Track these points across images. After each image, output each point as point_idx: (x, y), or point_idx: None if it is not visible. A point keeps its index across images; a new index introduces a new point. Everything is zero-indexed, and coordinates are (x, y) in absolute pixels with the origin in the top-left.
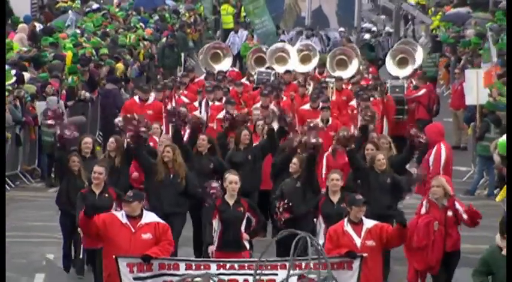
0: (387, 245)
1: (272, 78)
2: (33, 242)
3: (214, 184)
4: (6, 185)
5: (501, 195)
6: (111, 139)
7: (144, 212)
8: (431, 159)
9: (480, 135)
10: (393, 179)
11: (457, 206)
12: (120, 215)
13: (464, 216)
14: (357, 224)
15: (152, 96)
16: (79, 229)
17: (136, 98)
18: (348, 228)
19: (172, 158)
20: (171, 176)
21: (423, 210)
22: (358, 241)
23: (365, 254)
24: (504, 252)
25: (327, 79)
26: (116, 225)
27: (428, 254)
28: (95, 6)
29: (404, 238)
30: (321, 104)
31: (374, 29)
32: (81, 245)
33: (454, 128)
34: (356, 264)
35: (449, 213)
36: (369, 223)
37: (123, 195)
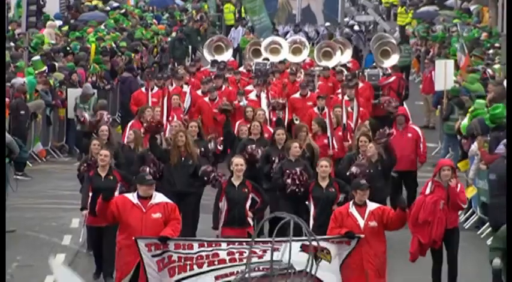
0: (387, 227)
1: (268, 67)
2: (62, 208)
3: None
4: (38, 159)
5: (463, 166)
6: (130, 131)
7: (154, 193)
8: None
9: (445, 116)
10: (382, 164)
11: (459, 185)
12: (132, 196)
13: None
14: (361, 207)
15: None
16: (84, 212)
17: (143, 88)
18: (353, 210)
19: (185, 142)
20: (183, 159)
21: (428, 191)
22: (361, 222)
23: (362, 235)
24: None
25: (316, 68)
26: (128, 206)
27: (433, 230)
28: (115, 4)
29: (404, 222)
30: (308, 93)
31: (356, 25)
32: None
33: (425, 109)
34: (353, 242)
35: None
36: (372, 205)
37: (128, 176)
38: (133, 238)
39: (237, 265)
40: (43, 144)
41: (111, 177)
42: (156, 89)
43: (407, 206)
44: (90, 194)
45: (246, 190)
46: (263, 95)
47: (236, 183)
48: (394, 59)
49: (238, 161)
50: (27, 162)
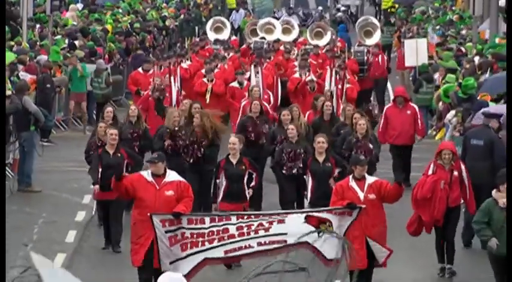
0: (384, 199)
1: (265, 46)
2: (82, 171)
3: None
4: (61, 127)
5: (440, 134)
6: (133, 107)
7: (168, 171)
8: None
9: (415, 89)
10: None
11: (462, 167)
12: (146, 174)
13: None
14: (360, 180)
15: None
16: (96, 186)
17: (140, 69)
18: (353, 183)
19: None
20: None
21: (430, 172)
22: (361, 195)
23: (363, 206)
24: (500, 203)
25: (307, 46)
26: (142, 183)
27: (434, 208)
28: None
29: (400, 196)
30: (307, 74)
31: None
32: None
33: (401, 83)
34: (355, 212)
35: (455, 173)
36: (370, 179)
37: (134, 154)
38: (148, 214)
39: (245, 239)
40: (65, 114)
41: (119, 154)
42: (152, 70)
43: (406, 177)
44: (100, 170)
45: (244, 167)
46: (253, 72)
47: (234, 161)
48: (376, 38)
49: (231, 140)
50: (52, 130)
